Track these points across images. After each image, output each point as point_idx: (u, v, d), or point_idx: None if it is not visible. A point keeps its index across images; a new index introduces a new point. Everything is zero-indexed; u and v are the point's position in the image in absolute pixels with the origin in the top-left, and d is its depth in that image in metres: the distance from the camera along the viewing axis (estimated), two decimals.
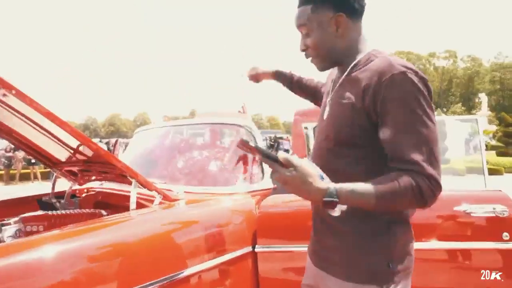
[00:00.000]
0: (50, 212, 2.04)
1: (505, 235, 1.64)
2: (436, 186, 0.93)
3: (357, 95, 1.04)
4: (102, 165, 2.02)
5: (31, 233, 1.88)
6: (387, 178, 0.95)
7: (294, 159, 0.93)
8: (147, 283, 1.34)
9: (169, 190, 2.00)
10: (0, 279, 1.06)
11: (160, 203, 1.84)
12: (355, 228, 1.07)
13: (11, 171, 13.57)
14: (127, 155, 2.95)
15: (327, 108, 1.19)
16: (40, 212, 2.04)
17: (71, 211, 2.12)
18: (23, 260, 1.14)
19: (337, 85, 1.17)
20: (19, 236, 1.82)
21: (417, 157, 0.93)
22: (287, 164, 0.92)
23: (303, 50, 1.18)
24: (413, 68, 1.00)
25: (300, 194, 0.95)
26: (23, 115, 1.84)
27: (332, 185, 0.93)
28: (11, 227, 1.84)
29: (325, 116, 1.20)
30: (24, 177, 13.62)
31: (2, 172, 13.65)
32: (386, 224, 1.06)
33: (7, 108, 1.79)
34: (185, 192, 2.01)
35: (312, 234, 1.28)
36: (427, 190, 0.92)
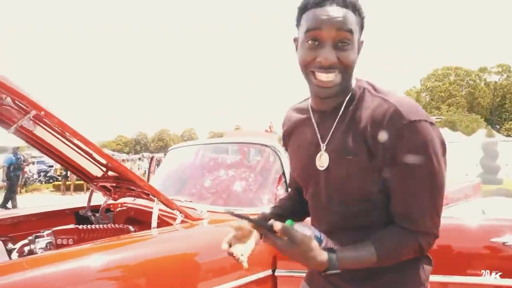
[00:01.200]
0: (80, 226, 2.13)
1: None
2: (434, 239, 0.94)
3: (363, 145, 0.91)
4: (129, 182, 2.08)
5: (61, 246, 1.97)
6: (390, 237, 0.91)
7: (292, 231, 0.83)
8: None
9: (193, 208, 2.01)
10: None
11: (182, 221, 1.86)
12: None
13: (66, 183, 14.48)
14: (160, 172, 3.03)
15: (326, 158, 0.98)
16: (71, 226, 2.13)
17: (100, 226, 2.20)
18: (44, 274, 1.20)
19: (333, 127, 0.98)
20: (49, 249, 1.91)
21: (426, 221, 0.90)
22: (284, 236, 0.83)
23: (330, 65, 0.89)
24: (429, 119, 0.89)
25: (299, 262, 0.86)
26: (60, 134, 1.96)
27: (333, 256, 0.86)
28: (44, 239, 1.94)
29: (321, 166, 0.99)
30: (78, 188, 14.48)
31: (60, 183, 14.61)
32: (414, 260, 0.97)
33: (47, 128, 1.92)
34: (208, 211, 2.01)
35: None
36: (427, 246, 0.93)
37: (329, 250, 0.88)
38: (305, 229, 0.88)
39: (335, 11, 0.89)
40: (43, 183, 17.38)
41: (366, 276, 0.96)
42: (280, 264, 1.73)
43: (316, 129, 1.02)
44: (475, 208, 3.09)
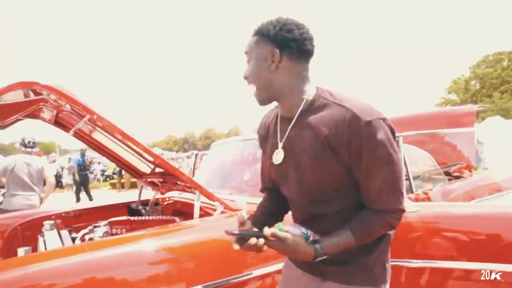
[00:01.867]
0: (131, 218, 2.34)
1: None
2: (401, 215, 1.08)
3: (326, 146, 1.04)
4: (174, 177, 2.26)
5: (115, 234, 2.19)
6: (363, 221, 1.07)
7: (280, 234, 0.98)
8: (199, 285, 1.48)
9: (232, 200, 2.14)
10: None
11: (222, 212, 1.99)
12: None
13: (121, 180, 15.37)
14: (204, 167, 3.20)
15: (281, 154, 1.16)
16: (124, 218, 2.35)
17: (150, 217, 2.40)
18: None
19: (288, 129, 1.14)
20: (105, 237, 2.13)
21: (391, 201, 1.05)
22: (274, 237, 0.99)
23: (244, 78, 1.15)
24: (383, 117, 1.03)
25: (292, 257, 1.05)
26: (112, 135, 2.17)
27: (318, 246, 1.03)
28: (101, 229, 2.17)
29: (277, 161, 1.17)
30: (132, 185, 15.33)
31: (116, 181, 15.55)
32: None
33: (101, 130, 2.13)
34: (247, 203, 2.13)
35: None
36: (396, 221, 1.08)
37: (314, 241, 1.04)
38: (294, 229, 1.04)
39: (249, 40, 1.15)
40: (101, 181, 18.58)
41: (341, 260, 1.13)
42: None
43: (278, 131, 1.19)
44: None
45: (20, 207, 3.55)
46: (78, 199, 10.01)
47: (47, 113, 2.27)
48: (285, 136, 1.15)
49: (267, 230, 0.97)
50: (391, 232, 1.19)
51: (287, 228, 1.03)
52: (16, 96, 1.84)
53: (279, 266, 1.69)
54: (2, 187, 4.53)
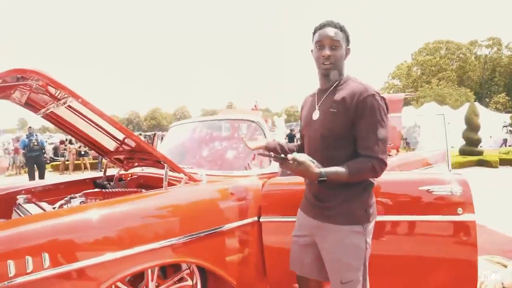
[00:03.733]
0: (104, 190, 2.63)
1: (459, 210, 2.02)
2: (383, 166, 1.58)
3: (343, 106, 1.60)
4: (142, 153, 2.57)
5: None
6: (356, 162, 1.57)
7: (298, 156, 1.46)
8: (173, 238, 1.86)
9: (194, 173, 2.51)
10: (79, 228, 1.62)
11: (186, 183, 2.36)
12: (344, 193, 1.65)
13: (65, 162, 14.88)
14: (163, 145, 3.51)
15: (317, 113, 1.73)
16: (97, 190, 2.62)
17: (119, 189, 2.70)
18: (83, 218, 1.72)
19: (325, 96, 1.72)
20: None
21: (377, 149, 1.56)
22: (293, 161, 1.46)
23: (328, 57, 1.65)
24: (380, 94, 1.60)
25: (303, 176, 1.57)
26: (82, 114, 2.42)
27: (322, 170, 1.51)
28: (77, 199, 2.44)
29: (314, 118, 1.74)
30: (76, 168, 14.91)
31: (59, 163, 15.01)
32: (362, 188, 1.67)
33: (71, 110, 2.37)
34: (207, 175, 2.50)
35: (309, 199, 1.78)
36: (379, 169, 1.57)
37: (319, 168, 1.51)
38: (306, 156, 1.50)
39: (332, 30, 1.66)
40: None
41: (332, 207, 1.67)
42: (263, 212, 2.25)
43: (316, 99, 1.77)
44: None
45: None
46: (32, 178, 9.60)
47: (18, 95, 2.45)
48: (321, 101, 1.73)
49: (289, 156, 1.46)
50: (370, 188, 1.69)
51: (301, 155, 1.47)
52: None
53: (232, 225, 2.13)
54: None
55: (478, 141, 13.22)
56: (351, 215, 1.65)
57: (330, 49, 1.65)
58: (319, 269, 1.79)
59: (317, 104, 1.74)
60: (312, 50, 1.76)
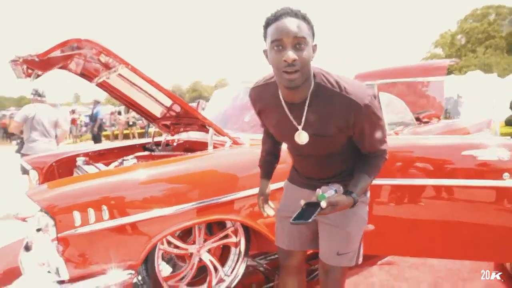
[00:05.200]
0: (153, 153, 2.79)
1: (506, 175, 1.95)
2: (387, 155, 1.48)
3: (337, 128, 1.34)
4: (188, 119, 2.68)
5: None
6: (372, 164, 1.44)
7: (331, 199, 1.25)
8: (218, 197, 1.97)
9: (238, 137, 2.59)
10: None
11: (230, 146, 2.45)
12: (344, 167, 1.52)
13: (115, 132, 15.73)
14: (207, 112, 3.62)
15: (304, 135, 1.39)
16: (146, 153, 2.79)
17: (167, 153, 2.86)
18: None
19: (304, 113, 1.35)
20: None
21: (383, 147, 1.45)
22: (329, 205, 1.24)
23: (293, 61, 1.19)
24: (372, 94, 1.32)
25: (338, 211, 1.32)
26: (131, 82, 2.55)
27: (354, 195, 1.34)
28: (129, 161, 2.62)
29: (302, 141, 1.40)
30: (125, 137, 15.71)
31: (109, 132, 15.89)
32: None
33: (122, 78, 2.50)
34: (250, 139, 2.57)
35: (303, 175, 1.62)
36: (386, 157, 1.48)
37: (347, 192, 1.34)
38: (330, 191, 1.30)
39: (293, 22, 1.21)
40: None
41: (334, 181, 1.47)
42: None
43: (287, 112, 1.39)
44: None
45: (42, 152, 3.93)
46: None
47: (74, 65, 2.62)
48: (302, 120, 1.37)
49: (322, 204, 1.22)
50: None
51: (327, 193, 1.27)
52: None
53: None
54: (13, 134, 4.84)
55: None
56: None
57: (294, 50, 1.20)
58: (312, 240, 1.66)
59: (297, 123, 1.39)
60: (264, 51, 1.33)
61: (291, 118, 1.39)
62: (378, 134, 1.40)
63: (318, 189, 1.28)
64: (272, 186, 1.82)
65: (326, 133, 1.36)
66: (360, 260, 1.62)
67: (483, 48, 36.88)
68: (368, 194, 1.60)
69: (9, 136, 17.44)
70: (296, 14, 1.23)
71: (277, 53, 1.22)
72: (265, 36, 1.29)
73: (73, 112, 17.26)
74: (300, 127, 1.39)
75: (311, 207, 1.24)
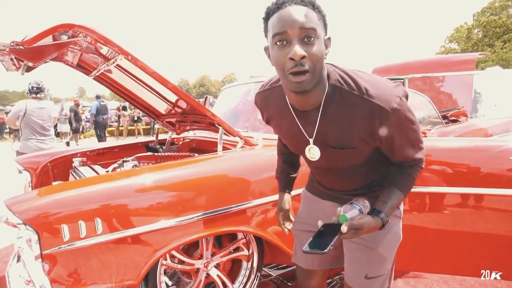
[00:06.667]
0: (156, 154, 2.54)
1: None
2: (424, 163, 1.21)
3: (360, 140, 1.08)
4: (195, 116, 2.43)
5: None
6: (406, 177, 1.17)
7: (354, 222, 1.02)
8: (229, 206, 1.71)
9: (250, 137, 2.34)
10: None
11: (242, 147, 2.19)
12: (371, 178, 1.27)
13: (120, 128, 15.55)
14: (215, 109, 3.36)
15: (316, 150, 1.16)
16: (149, 153, 2.55)
17: (171, 153, 2.61)
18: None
19: (317, 122, 1.10)
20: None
21: (418, 155, 1.17)
22: (351, 228, 1.01)
23: (302, 58, 0.94)
24: (401, 94, 1.04)
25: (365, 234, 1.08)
26: (132, 75, 2.30)
27: (383, 216, 1.09)
28: (130, 163, 2.37)
29: (313, 157, 1.18)
30: (130, 133, 15.53)
31: (113, 128, 15.71)
32: None
33: (123, 71, 2.26)
34: (263, 138, 2.32)
35: (324, 186, 1.37)
36: (423, 166, 1.20)
37: (374, 212, 1.09)
38: (353, 211, 1.07)
39: (301, 11, 0.95)
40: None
41: (360, 193, 1.26)
42: None
43: (300, 125, 1.15)
44: None
45: (35, 151, 3.70)
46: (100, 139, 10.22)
47: (70, 56, 2.38)
48: (315, 131, 1.12)
49: (343, 228, 0.99)
50: None
51: (349, 214, 1.05)
52: (47, 39, 1.94)
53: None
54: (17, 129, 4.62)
55: None
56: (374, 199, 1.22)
57: (301, 45, 0.94)
58: (335, 258, 1.42)
59: (309, 135, 1.14)
60: (266, 48, 1.08)
61: (301, 128, 1.15)
62: (411, 142, 1.13)
63: (339, 208, 1.06)
64: None
65: (345, 145, 1.10)
66: (392, 282, 1.36)
67: (501, 42, 36.03)
68: (402, 206, 1.33)
69: (12, 131, 17.34)
70: (302, 1, 0.97)
71: (280, 49, 0.97)
72: (265, 31, 1.04)
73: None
74: (311, 140, 1.15)
75: (330, 228, 1.03)
